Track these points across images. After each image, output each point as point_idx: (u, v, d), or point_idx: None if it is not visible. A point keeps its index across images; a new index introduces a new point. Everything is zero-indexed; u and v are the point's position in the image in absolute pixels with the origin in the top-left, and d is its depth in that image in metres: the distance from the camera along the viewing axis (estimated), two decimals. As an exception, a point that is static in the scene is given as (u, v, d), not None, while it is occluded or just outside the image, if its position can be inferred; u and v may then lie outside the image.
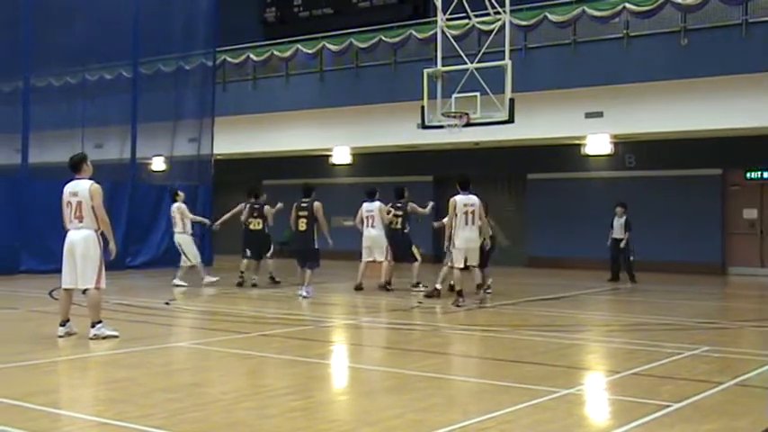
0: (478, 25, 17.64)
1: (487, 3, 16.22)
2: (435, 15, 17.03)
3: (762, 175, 20.93)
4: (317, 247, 14.43)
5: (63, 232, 9.56)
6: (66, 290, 9.57)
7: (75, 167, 9.54)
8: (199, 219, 17.78)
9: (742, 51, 17.89)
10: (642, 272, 18.32)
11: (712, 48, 18.20)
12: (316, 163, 26.25)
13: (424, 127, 16.74)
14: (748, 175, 21.08)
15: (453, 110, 15.89)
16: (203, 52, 22.88)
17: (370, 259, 15.46)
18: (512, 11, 16.31)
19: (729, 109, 18.35)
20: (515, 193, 24.25)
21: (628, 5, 18.66)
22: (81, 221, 9.34)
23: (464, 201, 13.07)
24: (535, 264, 22.15)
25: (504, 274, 18.26)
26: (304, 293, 13.94)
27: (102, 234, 9.46)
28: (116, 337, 9.41)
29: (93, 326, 9.41)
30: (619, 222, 17.99)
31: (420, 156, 24.17)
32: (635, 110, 19.47)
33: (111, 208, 19.75)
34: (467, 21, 17.52)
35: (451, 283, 13.71)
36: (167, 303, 13.32)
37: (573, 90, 19.77)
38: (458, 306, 12.77)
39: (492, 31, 16.44)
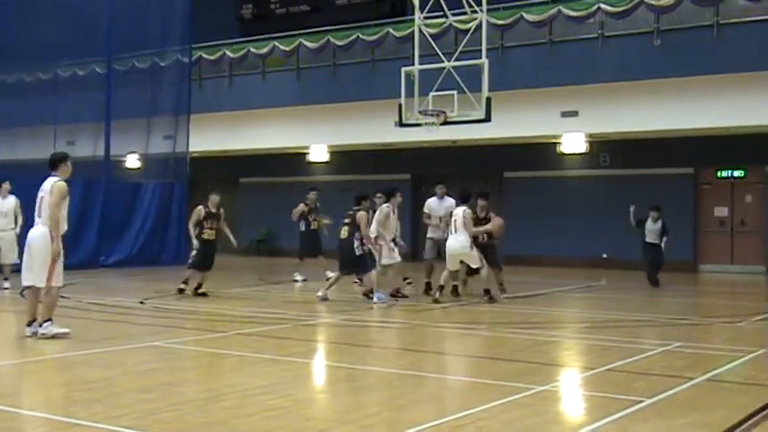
0: (455, 24, 17.68)
1: (464, 2, 16.27)
2: (413, 14, 17.04)
3: (732, 174, 21.18)
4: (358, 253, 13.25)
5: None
6: (29, 288, 9.42)
7: (52, 165, 9.43)
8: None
9: (714, 52, 18.09)
10: (615, 269, 18.46)
11: (685, 48, 18.38)
12: (293, 161, 26.20)
13: (401, 125, 16.76)
14: (719, 173, 21.32)
15: (430, 108, 15.92)
16: (179, 49, 22.73)
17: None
18: (488, 10, 16.35)
19: (701, 109, 18.55)
20: (492, 191, 24.27)
21: (603, 6, 18.80)
22: (40, 218, 9.26)
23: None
24: (511, 262, 22.19)
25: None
26: (375, 299, 13.13)
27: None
28: (66, 334, 9.27)
29: (41, 324, 9.25)
30: (655, 226, 16.76)
31: (397, 154, 24.19)
32: (610, 109, 19.62)
33: (84, 206, 19.87)
34: (444, 20, 17.56)
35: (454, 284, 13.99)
36: (142, 302, 13.24)
37: (549, 89, 19.87)
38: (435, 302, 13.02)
39: (469, 30, 16.48)
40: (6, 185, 14.99)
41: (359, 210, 13.39)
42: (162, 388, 7.00)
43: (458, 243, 13.24)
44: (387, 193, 14.09)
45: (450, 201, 14.72)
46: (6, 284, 14.72)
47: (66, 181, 9.43)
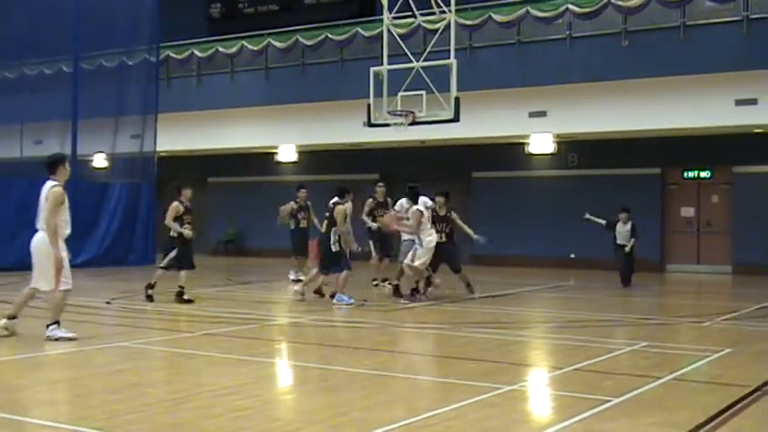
0: (424, 24, 17.71)
1: (433, 2, 16.31)
2: (381, 14, 17.04)
3: (698, 174, 21.43)
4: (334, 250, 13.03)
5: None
6: (33, 289, 9.36)
7: (50, 168, 9.27)
8: None
9: (680, 53, 18.28)
10: (582, 269, 18.59)
11: (652, 49, 18.56)
12: (261, 161, 26.10)
13: (370, 125, 16.76)
14: (685, 174, 21.56)
15: (399, 108, 15.93)
16: (147, 48, 22.54)
17: None
18: (457, 10, 16.41)
19: (668, 109, 18.75)
20: (460, 191, 24.38)
21: (570, 7, 18.93)
22: (39, 223, 9.21)
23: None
24: (478, 261, 22.31)
25: (449, 272, 18.39)
26: (335, 300, 13.07)
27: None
28: (74, 339, 9.20)
29: (48, 326, 9.24)
30: (624, 228, 16.95)
31: (366, 154, 24.19)
32: (577, 109, 19.76)
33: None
34: (413, 20, 17.59)
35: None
36: (109, 302, 13.12)
37: (517, 89, 19.97)
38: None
39: (437, 30, 16.51)
40: None
41: (338, 204, 13.15)
42: (129, 389, 6.94)
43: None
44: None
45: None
46: None
47: (64, 185, 9.28)
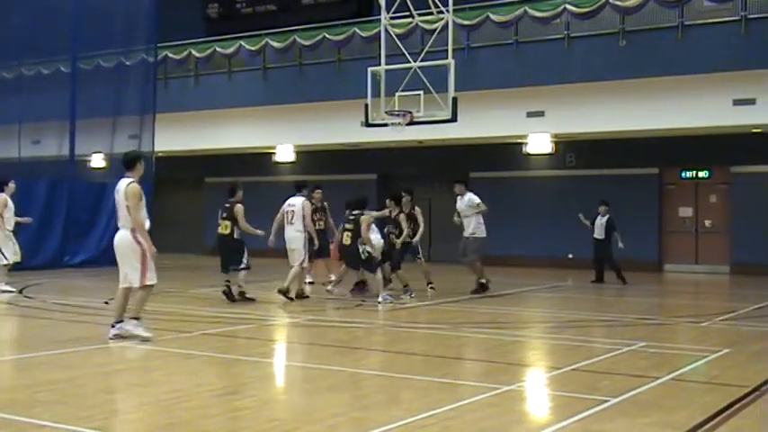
0: (422, 24, 17.71)
1: (431, 2, 16.29)
2: (379, 14, 17.03)
3: (696, 174, 21.45)
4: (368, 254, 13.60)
5: None
6: (125, 289, 9.40)
7: (127, 165, 9.41)
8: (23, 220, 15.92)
9: (678, 53, 18.28)
10: (580, 269, 18.59)
11: (650, 49, 18.56)
12: (259, 161, 26.09)
13: (367, 125, 16.75)
14: (683, 174, 21.57)
15: (397, 108, 15.92)
16: (144, 48, 22.54)
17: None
18: (455, 10, 16.39)
19: (666, 109, 18.75)
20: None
21: (568, 6, 18.93)
22: (120, 221, 9.34)
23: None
24: (478, 261, 22.33)
25: (446, 272, 18.40)
26: (380, 299, 13.33)
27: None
28: (149, 339, 9.26)
29: (119, 321, 9.33)
30: (600, 222, 17.29)
31: (364, 154, 24.18)
32: (575, 109, 19.76)
33: (49, 206, 19.65)
34: (410, 20, 17.57)
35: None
36: (107, 303, 13.09)
37: (515, 89, 19.97)
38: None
39: (435, 30, 16.51)
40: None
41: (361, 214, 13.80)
42: (127, 389, 6.93)
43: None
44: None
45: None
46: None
47: (139, 182, 9.42)
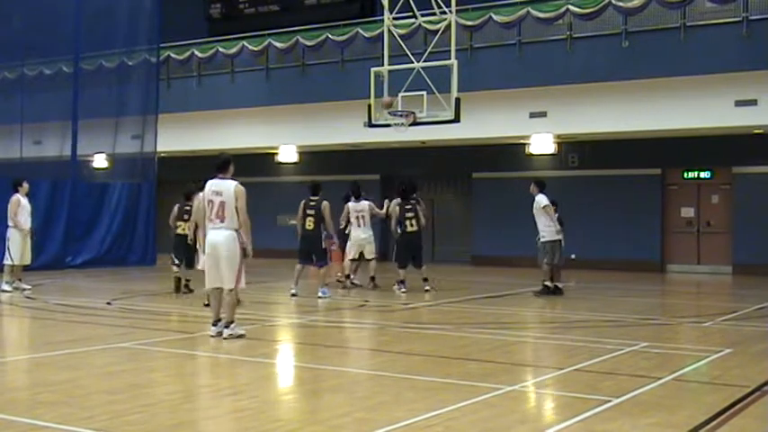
0: (425, 25, 17.71)
1: (434, 2, 16.31)
2: (382, 14, 17.05)
3: (698, 174, 21.43)
4: (324, 246, 13.97)
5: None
6: (215, 289, 9.52)
7: (221, 168, 9.56)
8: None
9: (681, 54, 18.27)
10: (583, 270, 18.59)
11: (652, 50, 18.55)
12: (262, 161, 26.09)
13: (370, 125, 16.76)
14: (686, 174, 21.56)
15: (400, 109, 15.93)
16: (147, 48, 22.56)
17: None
18: (457, 11, 16.41)
19: (669, 110, 18.74)
20: (461, 191, 24.44)
21: (571, 7, 18.92)
22: (222, 221, 9.31)
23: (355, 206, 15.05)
24: (480, 262, 22.34)
25: (450, 272, 18.40)
26: (320, 294, 13.75)
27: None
28: (244, 335, 9.50)
29: (227, 326, 9.47)
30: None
31: (366, 154, 24.19)
32: (578, 110, 19.76)
33: (51, 206, 19.67)
34: (413, 20, 17.59)
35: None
36: (109, 303, 13.11)
37: (517, 90, 19.96)
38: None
39: (438, 30, 16.52)
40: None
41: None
42: (129, 389, 6.93)
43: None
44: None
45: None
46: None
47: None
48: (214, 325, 9.58)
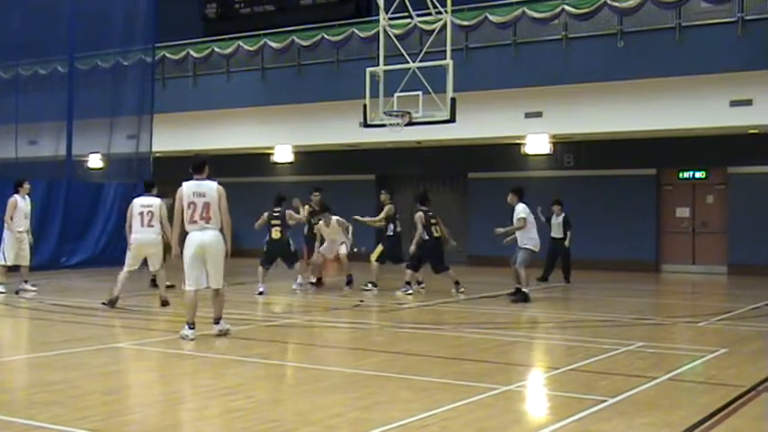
0: (420, 25, 17.72)
1: (429, 3, 16.31)
2: (378, 14, 17.05)
3: (693, 175, 21.46)
4: (293, 249, 15.04)
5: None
6: (195, 291, 9.59)
7: (198, 168, 9.64)
8: None
9: (676, 54, 18.30)
10: (578, 270, 18.59)
11: (648, 50, 18.58)
12: (257, 161, 26.08)
13: (366, 126, 16.76)
14: (681, 174, 21.59)
15: (395, 109, 15.93)
16: (142, 48, 22.49)
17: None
18: (453, 11, 16.41)
19: (664, 110, 18.77)
20: (456, 191, 24.45)
21: (566, 7, 18.94)
22: (208, 222, 9.45)
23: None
24: (475, 262, 22.33)
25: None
26: (294, 287, 14.89)
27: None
28: (229, 331, 9.78)
29: (217, 322, 9.73)
30: (556, 221, 17.71)
31: (362, 154, 24.18)
32: (573, 110, 19.78)
33: (46, 206, 19.62)
34: (409, 20, 17.59)
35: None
36: (104, 303, 13.08)
37: (513, 90, 19.98)
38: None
39: (433, 30, 16.52)
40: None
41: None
42: (125, 390, 6.93)
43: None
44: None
45: None
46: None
47: None
48: (191, 327, 9.48)
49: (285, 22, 23.86)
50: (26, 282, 14.68)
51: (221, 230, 9.52)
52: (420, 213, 14.80)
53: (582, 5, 18.81)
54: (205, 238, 9.41)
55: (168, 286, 14.05)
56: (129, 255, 12.66)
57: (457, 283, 14.67)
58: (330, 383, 7.46)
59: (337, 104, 21.33)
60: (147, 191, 13.27)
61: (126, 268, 12.53)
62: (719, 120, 18.26)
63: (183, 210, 9.50)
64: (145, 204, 12.70)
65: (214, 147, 25.00)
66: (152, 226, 12.55)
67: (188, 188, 9.50)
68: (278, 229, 14.73)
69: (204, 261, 9.47)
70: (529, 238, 13.76)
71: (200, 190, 9.45)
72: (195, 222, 9.41)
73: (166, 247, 13.06)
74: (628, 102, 19.07)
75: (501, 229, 14.17)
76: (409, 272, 14.72)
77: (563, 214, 17.72)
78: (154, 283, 14.56)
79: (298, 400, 6.96)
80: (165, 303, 12.59)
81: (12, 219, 14.53)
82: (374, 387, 7.18)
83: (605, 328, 11.22)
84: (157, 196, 13.00)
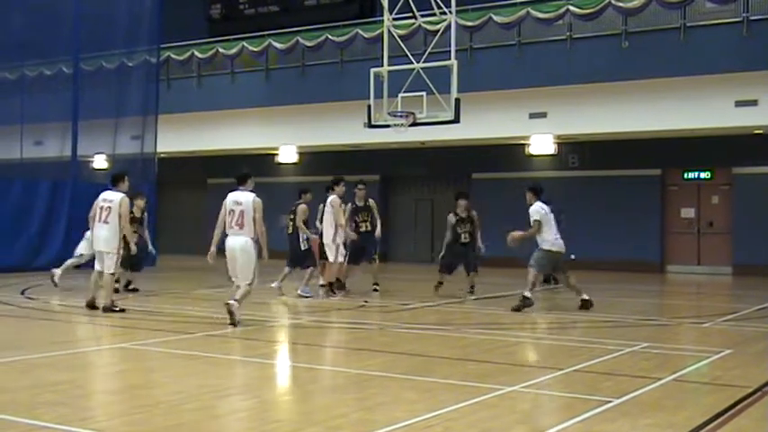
0: (424, 25, 17.72)
1: (433, 3, 16.31)
2: (382, 15, 17.05)
3: (698, 175, 21.45)
4: (304, 248, 14.28)
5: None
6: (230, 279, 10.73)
7: (240, 180, 10.72)
8: None
9: (681, 54, 18.29)
10: (583, 270, 18.54)
11: (652, 50, 18.57)
12: (262, 162, 26.09)
13: (370, 126, 16.76)
14: (686, 175, 21.57)
15: (399, 109, 15.93)
16: (147, 49, 22.54)
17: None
18: (457, 11, 16.42)
19: (669, 110, 18.75)
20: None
21: (571, 8, 18.94)
22: (241, 228, 10.46)
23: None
24: (480, 263, 22.29)
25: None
26: (299, 292, 14.26)
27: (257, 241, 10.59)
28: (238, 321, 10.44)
29: (234, 301, 10.48)
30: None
31: (366, 155, 24.19)
32: (578, 111, 19.77)
33: (51, 207, 19.64)
34: (413, 21, 17.60)
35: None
36: (106, 308, 13.07)
37: (517, 90, 19.98)
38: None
39: (438, 31, 16.53)
40: None
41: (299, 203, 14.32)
42: (129, 390, 6.93)
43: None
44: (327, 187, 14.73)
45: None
46: None
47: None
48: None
49: (289, 22, 23.90)
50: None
51: (255, 238, 10.47)
52: (450, 216, 14.69)
53: (586, 6, 18.80)
54: (235, 243, 10.45)
55: (131, 290, 14.11)
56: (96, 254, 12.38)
57: (472, 286, 14.56)
58: (334, 384, 7.46)
59: (341, 105, 21.34)
60: (113, 184, 12.39)
61: (96, 268, 12.29)
62: (724, 120, 18.24)
63: (224, 216, 10.64)
64: (107, 199, 12.20)
65: (218, 147, 25.04)
66: (107, 222, 11.99)
67: (230, 197, 10.66)
68: (291, 223, 14.45)
69: (234, 261, 10.47)
70: (543, 239, 12.83)
71: (239, 199, 10.53)
72: (231, 228, 10.52)
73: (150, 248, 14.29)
74: (632, 102, 19.05)
75: (518, 233, 13.00)
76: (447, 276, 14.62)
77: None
78: (126, 287, 14.61)
79: (302, 400, 6.96)
80: (106, 309, 11.80)
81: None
82: (378, 387, 7.18)
83: (610, 329, 11.20)
84: (124, 192, 12.32)
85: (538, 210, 12.70)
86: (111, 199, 12.09)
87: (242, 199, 10.54)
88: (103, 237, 11.98)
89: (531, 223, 12.73)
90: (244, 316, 10.94)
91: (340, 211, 14.15)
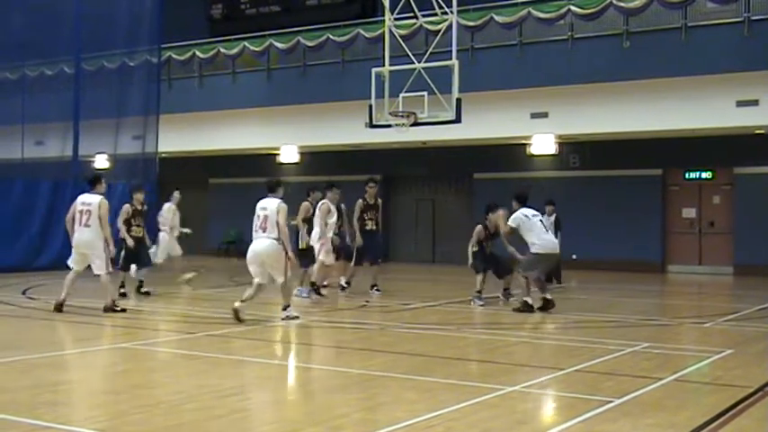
0: (426, 25, 17.71)
1: (435, 3, 16.30)
2: (383, 15, 17.03)
3: (700, 175, 21.42)
4: (301, 247, 13.94)
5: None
6: (258, 284, 11.11)
7: (272, 188, 11.29)
8: None
9: (682, 54, 18.27)
10: (584, 270, 18.60)
11: (653, 50, 18.55)
12: (263, 161, 26.10)
13: (371, 126, 16.74)
14: (687, 175, 21.55)
15: (401, 109, 15.92)
16: (148, 49, 22.50)
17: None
18: (459, 11, 16.39)
19: (670, 110, 18.74)
20: (462, 192, 24.43)
21: (572, 8, 18.92)
22: (264, 231, 10.97)
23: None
24: (481, 262, 22.32)
25: (451, 273, 18.39)
26: (296, 292, 13.77)
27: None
28: (298, 318, 11.24)
29: (285, 308, 11.28)
30: (548, 221, 16.59)
31: (368, 155, 24.18)
32: (579, 111, 19.76)
33: (53, 206, 19.64)
34: (414, 21, 17.59)
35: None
36: (109, 310, 13.08)
37: (519, 90, 19.97)
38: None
39: (439, 31, 16.51)
40: None
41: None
42: (130, 390, 6.94)
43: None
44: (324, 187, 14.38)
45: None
46: None
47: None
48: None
49: (290, 22, 23.89)
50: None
51: (278, 239, 10.89)
52: (478, 227, 14.31)
53: (587, 6, 18.79)
54: (258, 246, 11.00)
55: (144, 293, 14.02)
56: (72, 255, 12.17)
57: (506, 289, 14.11)
58: (335, 384, 7.46)
59: (343, 105, 21.34)
60: (91, 187, 12.11)
61: (73, 269, 12.12)
62: (726, 120, 18.23)
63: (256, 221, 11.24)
64: (85, 202, 11.91)
65: (220, 147, 25.04)
66: (88, 226, 11.74)
67: (259, 203, 11.22)
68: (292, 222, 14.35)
69: (262, 263, 11.00)
70: (531, 243, 12.90)
71: (265, 205, 11.12)
72: (256, 231, 11.08)
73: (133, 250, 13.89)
74: (634, 102, 19.04)
75: (515, 254, 13.65)
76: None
77: (554, 215, 17.03)
78: (138, 290, 14.43)
79: (303, 400, 6.96)
80: (107, 309, 11.85)
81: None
82: (379, 387, 7.18)
83: (611, 329, 11.20)
84: (101, 194, 12.04)
85: (515, 217, 13.13)
86: (90, 202, 11.85)
87: (268, 204, 11.05)
88: (86, 239, 11.84)
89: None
90: (247, 316, 10.96)
91: (324, 217, 13.94)
